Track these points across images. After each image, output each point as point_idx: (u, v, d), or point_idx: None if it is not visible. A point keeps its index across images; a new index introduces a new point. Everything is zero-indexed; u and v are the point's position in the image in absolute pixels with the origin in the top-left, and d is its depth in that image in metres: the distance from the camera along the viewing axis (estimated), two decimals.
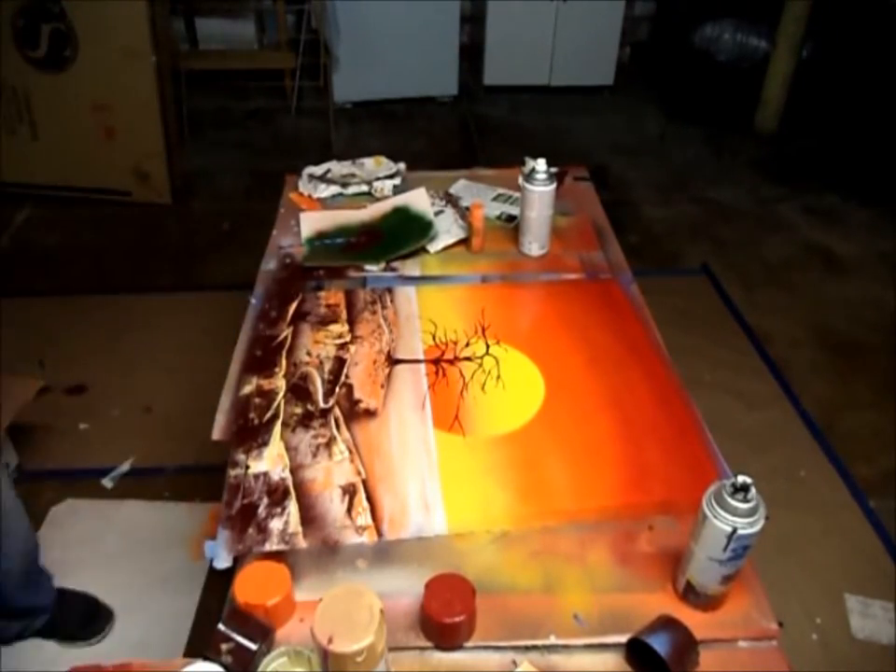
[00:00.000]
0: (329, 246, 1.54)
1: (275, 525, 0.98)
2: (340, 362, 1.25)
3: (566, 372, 1.23)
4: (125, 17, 2.79)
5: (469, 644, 0.85)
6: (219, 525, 0.98)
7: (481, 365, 1.24)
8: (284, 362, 1.25)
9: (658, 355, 1.27)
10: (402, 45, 3.79)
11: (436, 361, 1.25)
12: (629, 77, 4.30)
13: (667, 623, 0.83)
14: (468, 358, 1.25)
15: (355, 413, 1.15)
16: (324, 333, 1.31)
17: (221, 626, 0.81)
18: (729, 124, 3.85)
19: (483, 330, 1.31)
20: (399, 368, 1.24)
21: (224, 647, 0.79)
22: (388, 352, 1.27)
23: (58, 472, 1.93)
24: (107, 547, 1.76)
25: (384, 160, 1.79)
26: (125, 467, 1.97)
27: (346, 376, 1.22)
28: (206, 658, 0.79)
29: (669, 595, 0.90)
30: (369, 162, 1.79)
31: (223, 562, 0.93)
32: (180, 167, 3.24)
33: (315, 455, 1.08)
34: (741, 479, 0.79)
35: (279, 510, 1.00)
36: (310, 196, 1.69)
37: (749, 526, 0.79)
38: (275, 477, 1.05)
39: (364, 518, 0.99)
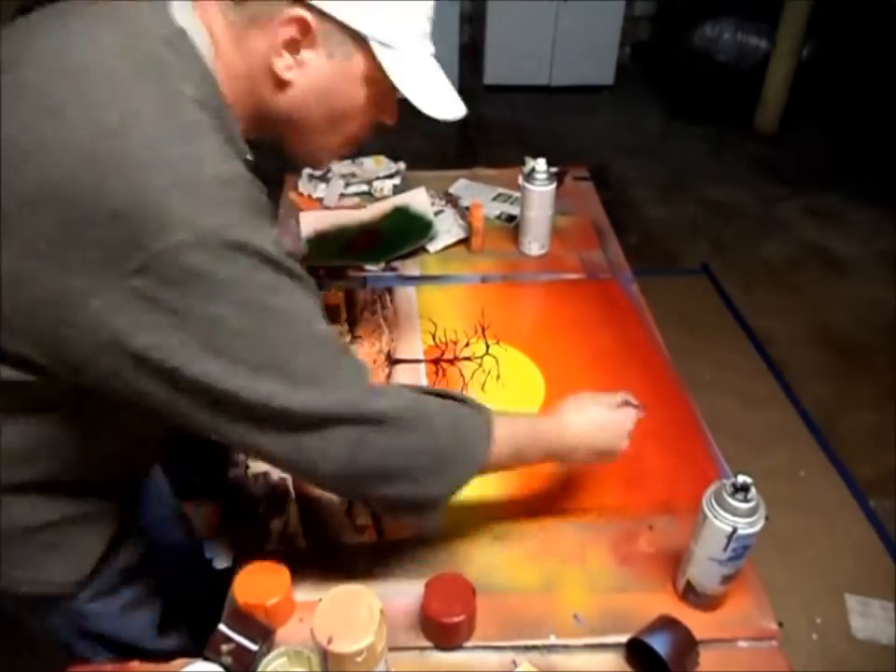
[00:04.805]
0: (328, 246, 1.53)
1: (275, 525, 0.98)
2: None
3: (566, 372, 1.23)
4: None
5: (469, 644, 0.85)
6: (219, 525, 0.97)
7: (481, 365, 1.24)
8: None
9: (658, 355, 1.27)
10: None
11: (436, 361, 1.25)
12: (629, 76, 4.30)
13: (667, 623, 0.83)
14: (467, 358, 1.25)
15: None
16: None
17: (221, 626, 0.81)
18: (729, 124, 3.85)
19: (483, 330, 1.30)
20: (399, 368, 1.24)
21: (224, 647, 0.79)
22: (388, 352, 1.27)
23: None
24: None
25: (384, 159, 1.79)
26: None
27: None
28: (206, 658, 0.79)
29: (669, 594, 0.90)
30: (368, 162, 1.79)
31: (223, 562, 0.93)
32: None
33: None
34: (741, 479, 0.79)
35: (279, 510, 1.00)
36: (310, 196, 1.69)
37: (748, 526, 0.79)
38: (275, 477, 1.04)
39: (364, 518, 0.99)
